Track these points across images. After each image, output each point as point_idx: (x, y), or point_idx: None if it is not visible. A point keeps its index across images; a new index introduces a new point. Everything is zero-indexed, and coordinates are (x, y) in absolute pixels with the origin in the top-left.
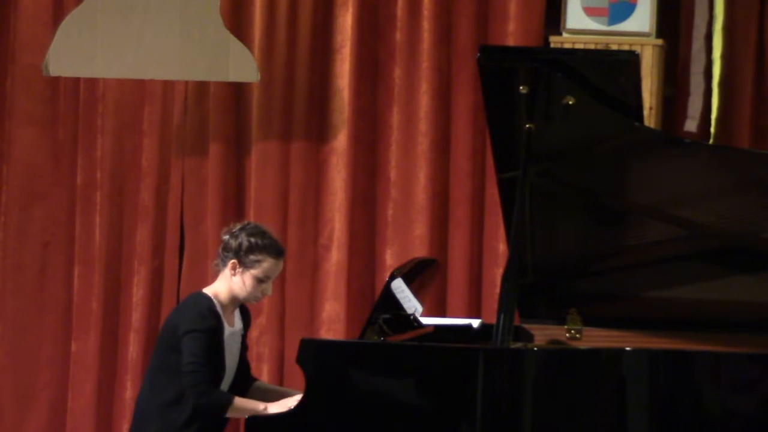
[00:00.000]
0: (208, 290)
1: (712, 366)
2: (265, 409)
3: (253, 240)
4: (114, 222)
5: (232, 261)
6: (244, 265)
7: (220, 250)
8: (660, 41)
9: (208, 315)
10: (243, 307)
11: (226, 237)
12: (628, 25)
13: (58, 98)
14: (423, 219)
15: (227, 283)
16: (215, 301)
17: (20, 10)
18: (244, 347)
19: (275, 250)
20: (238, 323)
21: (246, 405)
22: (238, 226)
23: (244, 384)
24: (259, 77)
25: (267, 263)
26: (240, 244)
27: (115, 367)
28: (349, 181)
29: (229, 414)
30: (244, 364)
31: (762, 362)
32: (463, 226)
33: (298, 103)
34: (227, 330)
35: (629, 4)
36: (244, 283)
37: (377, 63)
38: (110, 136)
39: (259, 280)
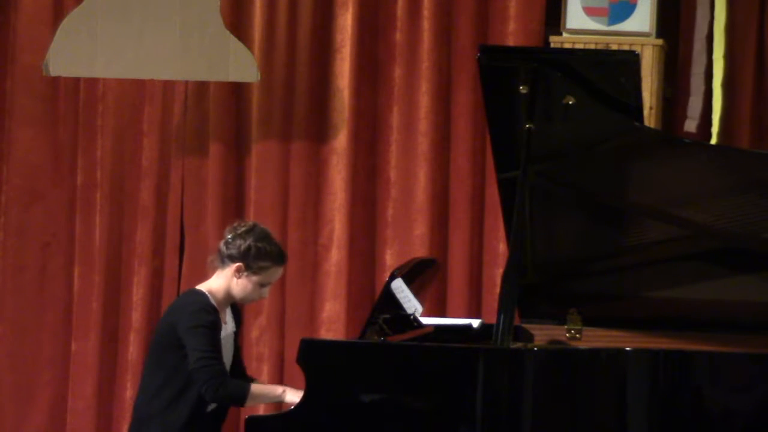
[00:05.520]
0: (202, 287)
1: (712, 366)
2: (284, 392)
3: (261, 245)
4: (114, 222)
5: (239, 264)
6: (251, 269)
7: (222, 247)
8: (660, 41)
9: (208, 310)
10: (235, 306)
11: (230, 236)
12: (628, 25)
13: (58, 98)
14: (423, 219)
15: (226, 283)
16: (211, 297)
17: (20, 10)
18: (236, 346)
19: (281, 258)
20: (230, 321)
21: (264, 391)
22: (244, 228)
23: None
24: (259, 77)
25: (272, 270)
26: (249, 248)
27: (115, 367)
28: (349, 181)
29: (249, 403)
30: (237, 363)
31: (762, 362)
32: (463, 226)
33: (298, 103)
34: (222, 327)
35: (629, 4)
36: (246, 286)
37: (377, 63)
38: (110, 136)
39: (261, 285)
